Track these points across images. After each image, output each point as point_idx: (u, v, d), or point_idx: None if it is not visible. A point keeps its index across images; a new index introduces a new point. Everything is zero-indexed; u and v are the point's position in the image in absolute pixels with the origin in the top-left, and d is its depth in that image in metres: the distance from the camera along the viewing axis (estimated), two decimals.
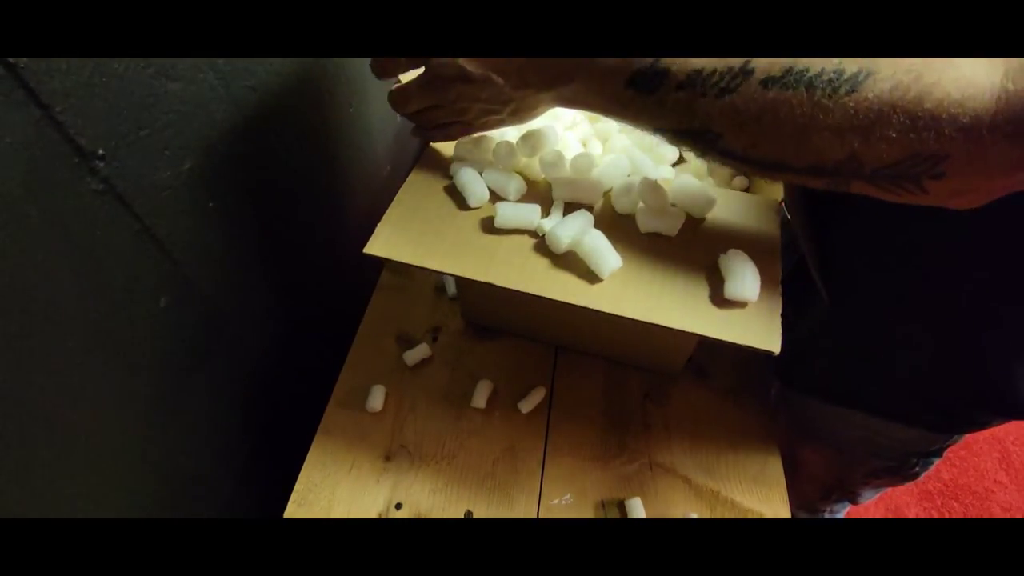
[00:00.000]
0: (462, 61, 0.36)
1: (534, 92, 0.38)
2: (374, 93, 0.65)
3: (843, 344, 0.50)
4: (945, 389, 0.47)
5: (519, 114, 0.41)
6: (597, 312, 0.38)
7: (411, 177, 0.46)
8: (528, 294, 0.39)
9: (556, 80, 0.36)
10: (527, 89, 0.37)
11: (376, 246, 0.42)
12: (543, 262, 0.41)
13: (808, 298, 0.50)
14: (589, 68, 0.34)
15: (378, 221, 0.43)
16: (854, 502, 0.67)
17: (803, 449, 0.62)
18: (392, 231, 0.42)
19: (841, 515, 0.71)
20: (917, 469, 0.56)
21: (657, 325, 0.37)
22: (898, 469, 0.57)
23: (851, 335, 0.49)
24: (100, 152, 0.32)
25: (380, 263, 0.67)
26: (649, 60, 0.32)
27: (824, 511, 0.70)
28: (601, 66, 0.33)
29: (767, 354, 0.36)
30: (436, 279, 0.66)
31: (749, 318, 0.38)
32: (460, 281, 0.58)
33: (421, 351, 0.58)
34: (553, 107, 0.41)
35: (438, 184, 0.46)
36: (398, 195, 0.45)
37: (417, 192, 0.45)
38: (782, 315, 0.39)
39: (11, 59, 0.25)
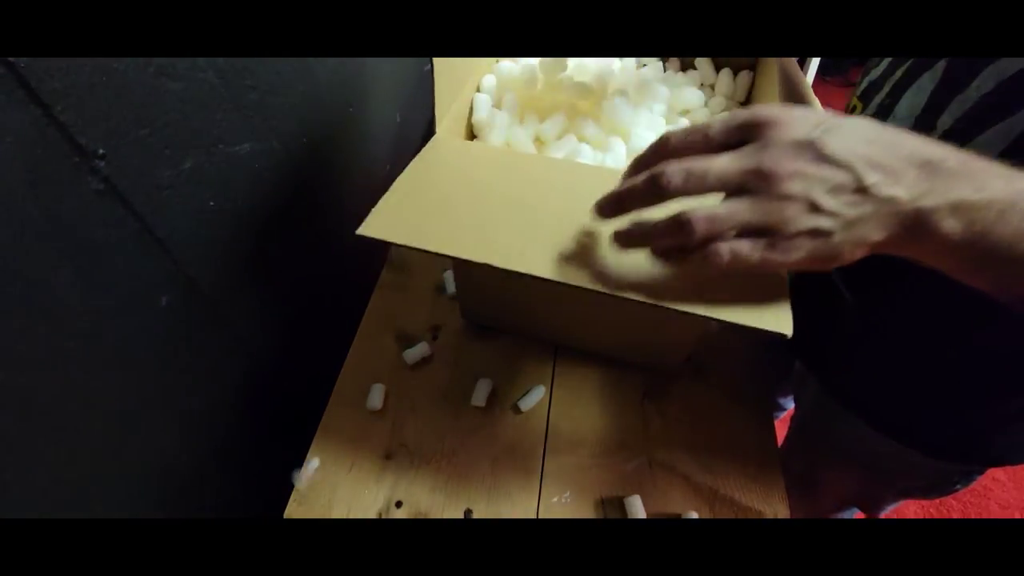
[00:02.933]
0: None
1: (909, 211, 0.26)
2: (374, 93, 0.65)
3: (896, 370, 0.48)
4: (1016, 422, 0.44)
5: (855, 238, 0.27)
6: (602, 298, 0.37)
7: (412, 165, 0.45)
8: (529, 279, 0.37)
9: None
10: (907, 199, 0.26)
11: (371, 227, 0.40)
12: (547, 246, 0.39)
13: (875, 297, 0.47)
14: None
15: None
16: (873, 515, 0.63)
17: (829, 470, 0.60)
18: (388, 213, 0.41)
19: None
20: (958, 487, 0.54)
21: (666, 308, 0.37)
22: (935, 488, 0.54)
23: (910, 361, 0.46)
24: (100, 151, 0.32)
25: (380, 262, 0.67)
26: None
27: (833, 515, 0.68)
28: None
29: (781, 337, 0.36)
30: (436, 278, 0.66)
31: (759, 302, 0.37)
32: (459, 279, 0.58)
33: (421, 350, 0.58)
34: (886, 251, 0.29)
35: (439, 170, 0.45)
36: (396, 182, 0.43)
37: (416, 179, 0.44)
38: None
39: (11, 59, 0.25)
